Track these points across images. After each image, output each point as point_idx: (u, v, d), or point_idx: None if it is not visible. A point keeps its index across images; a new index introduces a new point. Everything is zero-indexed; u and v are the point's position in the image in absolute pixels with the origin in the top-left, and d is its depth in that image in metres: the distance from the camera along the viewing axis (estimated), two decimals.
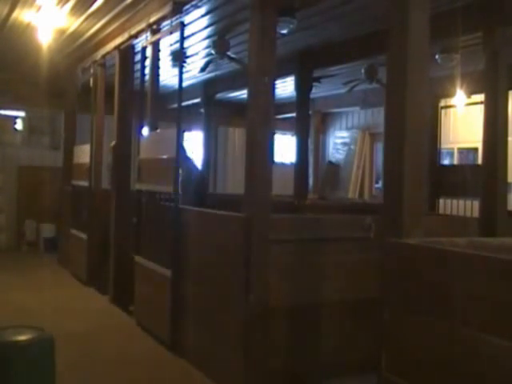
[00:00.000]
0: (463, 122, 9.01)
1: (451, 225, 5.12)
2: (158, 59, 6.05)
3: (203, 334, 4.45)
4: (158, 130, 5.80)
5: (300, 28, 5.88)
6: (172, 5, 5.31)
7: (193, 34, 6.86)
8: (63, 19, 6.69)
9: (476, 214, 5.79)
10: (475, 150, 8.76)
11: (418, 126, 2.70)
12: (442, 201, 7.66)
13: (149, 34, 5.92)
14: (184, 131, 5.32)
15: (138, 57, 6.65)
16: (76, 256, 7.85)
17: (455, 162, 9.74)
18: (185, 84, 7.50)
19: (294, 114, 8.39)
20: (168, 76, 8.60)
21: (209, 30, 6.72)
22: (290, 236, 4.05)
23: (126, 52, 6.86)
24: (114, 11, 6.27)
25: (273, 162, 4.00)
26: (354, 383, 4.07)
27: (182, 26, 5.25)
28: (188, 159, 6.04)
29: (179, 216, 4.84)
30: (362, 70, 7.67)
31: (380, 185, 11.04)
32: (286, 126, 11.22)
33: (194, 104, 10.61)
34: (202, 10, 5.93)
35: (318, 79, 8.09)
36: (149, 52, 6.03)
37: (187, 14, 5.69)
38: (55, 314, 5.20)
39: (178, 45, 6.15)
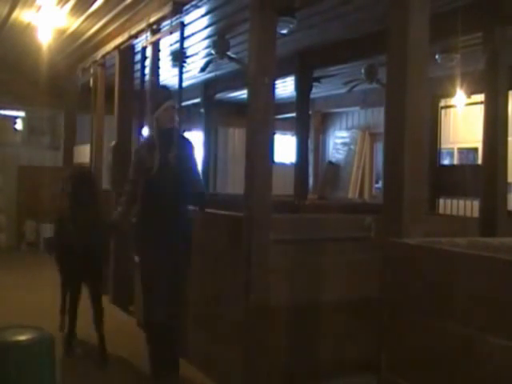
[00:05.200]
0: (463, 122, 9.01)
1: (451, 225, 5.11)
2: (158, 59, 6.05)
3: (203, 333, 4.45)
4: None
5: (300, 28, 5.89)
6: (172, 5, 5.31)
7: (193, 34, 6.87)
8: (63, 19, 6.69)
9: (476, 213, 5.79)
10: (475, 150, 8.76)
11: (417, 126, 2.70)
12: (442, 201, 7.67)
13: (149, 34, 5.93)
14: (184, 131, 5.31)
15: (138, 57, 6.66)
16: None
17: (455, 162, 9.74)
18: (185, 84, 7.50)
19: (294, 114, 8.39)
20: (168, 76, 8.61)
21: (209, 30, 6.73)
22: (290, 236, 4.05)
23: (126, 52, 6.86)
24: (114, 11, 6.28)
25: (273, 161, 4.00)
26: (353, 383, 4.07)
27: (182, 26, 5.25)
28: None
29: None
30: (362, 70, 7.68)
31: (380, 185, 11.04)
32: (286, 125, 11.23)
33: (193, 104, 10.62)
34: (202, 10, 5.93)
35: (318, 79, 8.10)
36: (149, 52, 6.03)
37: (187, 14, 5.70)
38: (55, 313, 5.19)
39: (177, 45, 6.16)
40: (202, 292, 4.51)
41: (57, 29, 6.84)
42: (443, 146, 8.50)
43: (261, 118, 3.87)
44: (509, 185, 5.34)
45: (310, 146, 10.59)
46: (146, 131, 6.07)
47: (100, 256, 4.69)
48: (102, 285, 4.79)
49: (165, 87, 4.51)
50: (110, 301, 6.27)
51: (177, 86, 5.25)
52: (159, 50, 6.08)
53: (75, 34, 7.39)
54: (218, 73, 8.98)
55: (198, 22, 6.33)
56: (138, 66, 6.58)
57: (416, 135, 2.69)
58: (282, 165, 11.86)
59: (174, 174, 3.96)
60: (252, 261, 3.76)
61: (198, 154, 3.85)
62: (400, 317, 2.46)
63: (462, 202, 7.61)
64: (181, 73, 5.25)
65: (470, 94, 7.71)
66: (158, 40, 5.90)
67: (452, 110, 8.94)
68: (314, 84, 8.03)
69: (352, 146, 12.04)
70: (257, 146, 3.88)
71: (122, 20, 6.53)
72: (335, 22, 6.28)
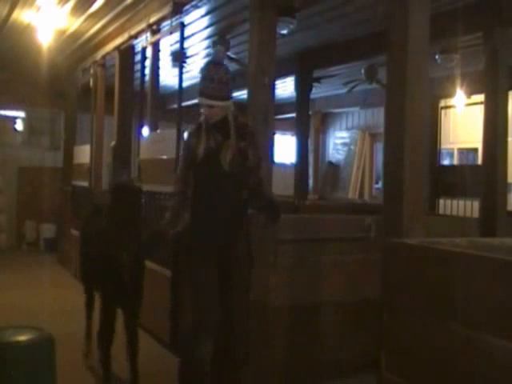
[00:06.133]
0: (463, 122, 9.01)
1: (451, 225, 5.11)
2: (158, 59, 6.06)
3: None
4: (158, 131, 5.80)
5: (300, 28, 5.89)
6: (172, 5, 5.32)
7: (193, 35, 6.87)
8: (63, 19, 6.70)
9: (476, 214, 5.79)
10: (475, 150, 8.76)
11: (417, 126, 2.70)
12: (442, 201, 7.66)
13: (149, 34, 5.93)
14: (184, 131, 5.32)
15: (138, 57, 6.66)
16: (76, 256, 7.84)
17: (455, 162, 9.74)
18: (185, 84, 7.50)
19: (294, 114, 8.39)
20: (168, 76, 8.61)
21: (209, 30, 6.73)
22: (290, 236, 4.05)
23: (126, 52, 6.86)
24: (114, 11, 6.28)
25: (273, 162, 3.99)
26: (353, 383, 4.07)
27: (182, 26, 5.25)
28: None
29: None
30: (362, 70, 7.68)
31: (380, 185, 11.04)
32: (286, 125, 11.22)
33: (194, 104, 10.61)
34: (202, 11, 5.93)
35: (318, 79, 8.10)
36: (149, 52, 6.04)
37: (187, 14, 5.70)
38: (55, 313, 5.19)
39: (178, 45, 6.16)
40: None
41: (57, 29, 6.84)
42: (443, 146, 8.49)
43: (261, 118, 3.88)
44: (509, 185, 5.34)
45: (310, 146, 10.59)
46: (145, 131, 6.09)
47: (140, 274, 4.03)
48: (139, 307, 4.03)
49: (223, 68, 3.45)
50: None
51: (177, 87, 5.25)
52: (159, 51, 6.09)
53: (75, 35, 7.39)
54: None
55: (198, 22, 6.33)
56: (138, 67, 6.59)
57: (416, 135, 2.69)
58: (282, 165, 11.84)
59: (230, 170, 3.12)
60: (252, 261, 3.75)
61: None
62: (400, 317, 2.46)
63: (462, 202, 7.60)
64: (181, 73, 5.26)
65: (469, 94, 7.71)
66: (158, 40, 5.91)
67: (452, 110, 8.93)
68: (314, 84, 8.03)
69: (352, 147, 12.03)
70: None
71: (122, 20, 6.54)
72: (335, 23, 6.28)
